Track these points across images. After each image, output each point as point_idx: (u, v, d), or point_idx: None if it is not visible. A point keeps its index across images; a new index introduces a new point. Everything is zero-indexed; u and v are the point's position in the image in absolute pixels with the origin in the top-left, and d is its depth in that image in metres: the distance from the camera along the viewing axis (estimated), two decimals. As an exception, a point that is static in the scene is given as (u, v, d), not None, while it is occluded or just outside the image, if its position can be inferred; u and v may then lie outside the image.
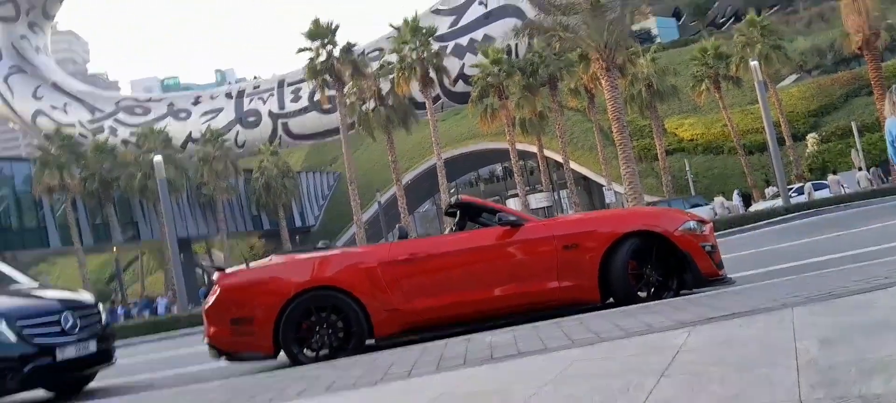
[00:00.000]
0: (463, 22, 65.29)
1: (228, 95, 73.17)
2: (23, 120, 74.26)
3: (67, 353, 6.77)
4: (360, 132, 42.89)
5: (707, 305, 5.27)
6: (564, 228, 6.81)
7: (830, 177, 33.90)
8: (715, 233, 7.38)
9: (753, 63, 29.51)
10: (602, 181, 44.72)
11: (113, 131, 69.35)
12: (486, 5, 65.00)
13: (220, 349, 6.69)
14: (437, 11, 66.00)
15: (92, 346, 7.09)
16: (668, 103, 44.01)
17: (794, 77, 52.71)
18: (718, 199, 35.18)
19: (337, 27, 40.09)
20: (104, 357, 7.42)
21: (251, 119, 69.85)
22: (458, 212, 7.78)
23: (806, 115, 45.86)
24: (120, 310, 34.36)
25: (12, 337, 6.52)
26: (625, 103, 36.33)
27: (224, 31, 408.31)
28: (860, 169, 34.58)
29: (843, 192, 29.65)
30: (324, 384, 4.69)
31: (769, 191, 36.47)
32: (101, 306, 7.82)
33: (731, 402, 2.66)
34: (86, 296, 7.76)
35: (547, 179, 48.24)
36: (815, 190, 32.19)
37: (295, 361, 6.41)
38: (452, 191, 52.12)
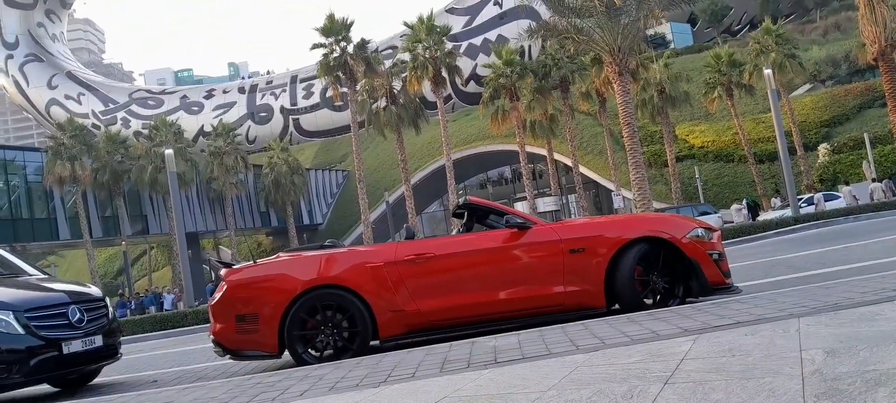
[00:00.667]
0: (477, 22, 65.49)
1: (241, 90, 73.69)
2: (37, 108, 74.89)
3: (74, 347, 6.78)
4: (370, 131, 42.95)
5: (713, 313, 5.26)
6: (572, 232, 6.78)
7: (843, 187, 33.68)
8: (722, 242, 7.35)
9: (767, 71, 29.34)
10: (611, 186, 44.64)
11: (126, 123, 70.00)
12: (500, 6, 65.16)
13: (225, 346, 6.69)
14: (451, 10, 66.20)
15: (98, 341, 7.10)
16: (680, 109, 43.93)
17: (807, 86, 52.46)
18: (736, 206, 34.95)
19: (352, 23, 40.10)
20: (110, 352, 7.44)
21: (263, 114, 70.29)
22: (466, 214, 7.76)
23: (818, 125, 45.65)
24: (132, 305, 34.44)
25: (19, 329, 6.53)
26: (636, 108, 36.27)
27: (238, 24, 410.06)
28: (874, 180, 34.36)
29: (856, 204, 29.48)
30: (327, 384, 4.70)
31: (775, 201, 36.12)
32: (107, 300, 7.85)
33: (734, 412, 2.65)
34: (93, 290, 7.78)
35: (555, 183, 48.18)
36: (826, 201, 32.00)
37: (299, 361, 6.40)
38: (461, 191, 52.13)
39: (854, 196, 31.75)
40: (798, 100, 47.89)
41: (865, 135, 39.37)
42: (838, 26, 63.55)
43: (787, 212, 28.23)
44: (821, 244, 14.55)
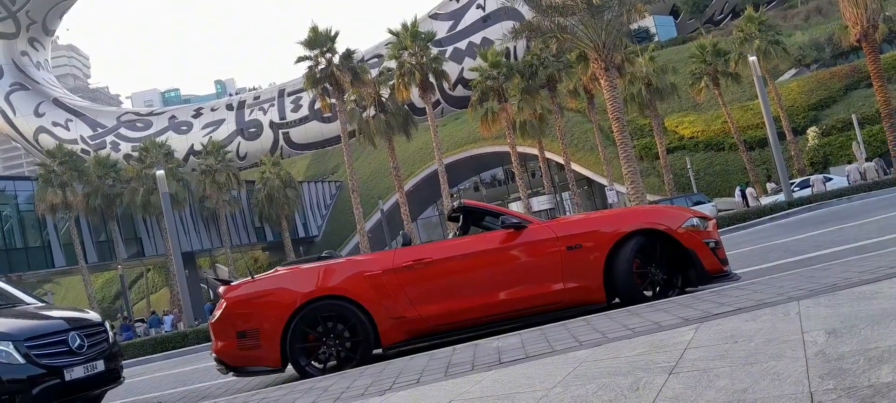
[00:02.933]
0: (461, 26, 65.57)
1: (229, 107, 73.55)
2: (25, 137, 74.54)
3: (75, 374, 6.74)
4: (360, 140, 42.95)
5: (713, 301, 5.27)
6: (568, 229, 6.80)
7: (847, 166, 33.90)
8: (718, 230, 7.38)
9: (752, 58, 29.51)
10: (604, 181, 44.72)
11: (115, 146, 69.75)
12: (483, 8, 65.24)
13: (228, 363, 6.68)
14: (435, 16, 66.29)
15: (100, 366, 7.06)
16: (668, 101, 44.03)
17: (792, 72, 52.69)
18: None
19: (336, 34, 40.00)
20: (112, 376, 7.40)
21: (252, 130, 70.18)
22: (461, 217, 7.77)
23: (806, 109, 45.84)
24: (140, 329, 34.14)
25: (20, 359, 6.48)
26: (624, 103, 36.34)
27: (223, 41, 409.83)
28: (869, 159, 34.68)
29: (863, 181, 29.79)
30: (333, 395, 4.69)
31: (771, 186, 36.20)
32: (107, 325, 7.82)
33: (741, 396, 2.66)
34: (92, 316, 7.74)
35: (548, 181, 48.22)
36: (825, 182, 32.29)
37: (302, 373, 6.39)
38: (455, 194, 52.14)
39: (860, 171, 32.00)
40: (784, 85, 48.09)
41: (853, 117, 39.55)
42: (820, 10, 63.85)
43: (781, 197, 28.37)
44: (816, 227, 14.61)
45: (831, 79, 47.43)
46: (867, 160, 34.61)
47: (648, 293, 6.68)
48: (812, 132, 43.34)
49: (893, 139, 33.27)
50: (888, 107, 33.41)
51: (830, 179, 33.33)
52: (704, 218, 7.06)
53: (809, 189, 31.12)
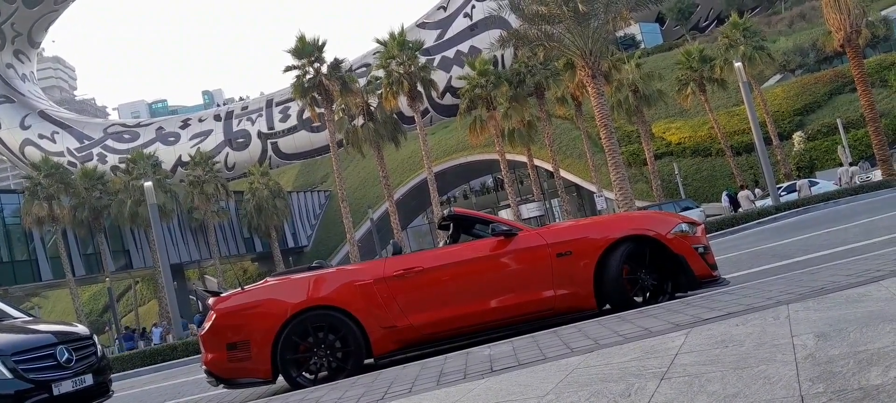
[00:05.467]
0: (449, 34, 65.68)
1: (217, 117, 73.27)
2: (11, 150, 73.91)
3: (64, 388, 6.67)
4: (349, 149, 42.87)
5: (703, 306, 5.29)
6: (558, 236, 6.81)
7: (840, 169, 34.15)
8: (707, 235, 7.42)
9: (737, 64, 29.74)
10: (592, 188, 44.83)
11: (102, 158, 69.27)
12: (471, 17, 65.42)
13: (218, 375, 6.63)
14: (422, 25, 66.35)
15: (89, 380, 6.99)
16: (655, 108, 44.25)
17: (777, 77, 53.10)
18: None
19: (324, 43, 39.89)
20: (101, 390, 7.32)
21: (240, 140, 69.92)
22: (452, 225, 7.77)
23: (791, 114, 46.20)
24: (138, 338, 33.87)
25: (7, 374, 6.41)
26: (612, 109, 36.47)
27: (211, 52, 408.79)
28: (853, 163, 34.88)
29: (857, 183, 30.03)
30: (324, 404, 4.67)
31: (748, 194, 35.29)
32: (96, 338, 7.75)
33: (732, 401, 2.67)
34: (80, 329, 7.66)
35: (538, 188, 48.31)
36: (810, 186, 32.48)
37: (294, 385, 6.36)
38: (444, 201, 52.11)
39: (851, 174, 32.21)
40: (769, 90, 48.44)
41: (838, 121, 39.88)
42: (803, 16, 64.40)
43: (768, 202, 28.54)
44: (803, 231, 14.71)
45: (816, 85, 47.83)
46: (852, 164, 34.87)
47: (639, 299, 6.70)
48: (798, 137, 43.66)
49: (878, 143, 33.57)
50: (872, 111, 33.71)
51: (816, 183, 33.55)
52: (693, 223, 7.10)
53: (796, 193, 31.30)
